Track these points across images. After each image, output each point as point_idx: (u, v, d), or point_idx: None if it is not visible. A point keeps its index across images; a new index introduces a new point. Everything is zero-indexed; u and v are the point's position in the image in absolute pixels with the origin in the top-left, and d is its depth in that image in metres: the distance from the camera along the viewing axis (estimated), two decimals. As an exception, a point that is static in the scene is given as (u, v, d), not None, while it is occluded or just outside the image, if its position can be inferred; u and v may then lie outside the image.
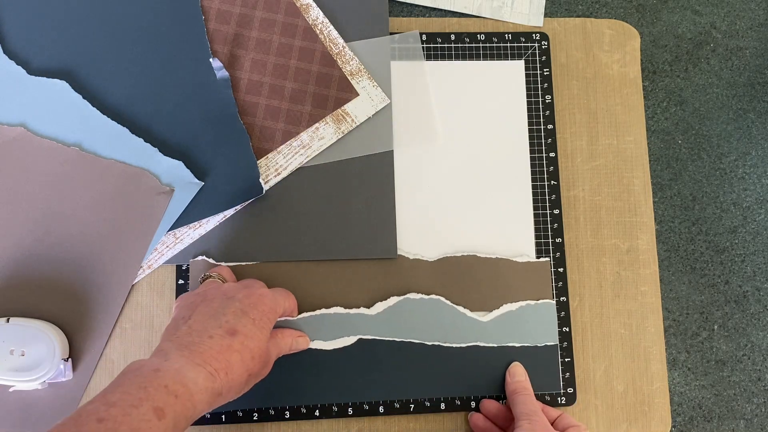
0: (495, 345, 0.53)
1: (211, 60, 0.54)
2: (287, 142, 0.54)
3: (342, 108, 0.55)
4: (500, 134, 0.57)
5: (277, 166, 0.54)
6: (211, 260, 0.52)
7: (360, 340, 0.52)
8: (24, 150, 0.52)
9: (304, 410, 0.52)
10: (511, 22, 0.59)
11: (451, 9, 0.59)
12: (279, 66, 0.55)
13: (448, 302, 0.53)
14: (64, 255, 0.51)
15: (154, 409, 0.35)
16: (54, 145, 0.52)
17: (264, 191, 0.53)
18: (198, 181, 0.52)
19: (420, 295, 0.53)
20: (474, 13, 0.59)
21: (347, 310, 0.53)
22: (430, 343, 0.53)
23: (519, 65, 0.58)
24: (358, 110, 0.55)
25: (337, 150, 0.55)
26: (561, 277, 0.55)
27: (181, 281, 0.52)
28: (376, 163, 0.55)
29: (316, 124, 0.55)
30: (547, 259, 0.55)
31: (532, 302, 0.54)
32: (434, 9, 0.59)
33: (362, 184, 0.54)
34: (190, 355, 0.39)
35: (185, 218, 0.52)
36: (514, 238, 0.55)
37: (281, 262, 0.53)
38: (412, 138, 0.56)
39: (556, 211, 0.56)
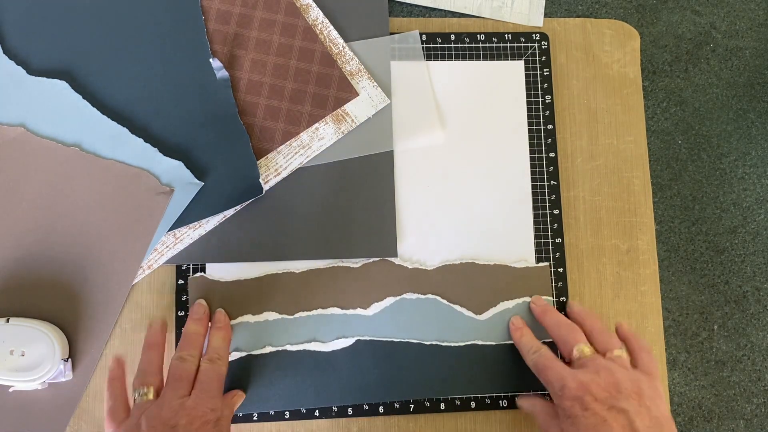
0: (493, 343, 0.53)
1: (211, 60, 0.54)
2: (287, 142, 0.54)
3: (342, 108, 0.55)
4: (500, 135, 0.56)
5: (277, 166, 0.54)
6: (209, 276, 0.52)
7: (358, 341, 0.52)
8: (24, 150, 0.52)
9: (303, 410, 0.52)
10: (511, 22, 0.59)
11: (451, 9, 0.59)
12: (279, 66, 0.55)
13: (444, 302, 0.53)
14: (64, 255, 0.51)
15: None
16: (54, 145, 0.52)
17: (264, 191, 0.53)
18: (198, 181, 0.52)
19: (416, 295, 0.53)
20: (474, 13, 0.59)
21: (344, 311, 0.53)
22: (428, 343, 0.53)
23: (519, 65, 0.58)
24: (358, 110, 0.55)
25: (337, 150, 0.55)
26: (561, 278, 0.55)
27: (181, 281, 0.52)
28: (376, 163, 0.55)
29: (316, 124, 0.55)
30: (546, 264, 0.54)
31: (529, 299, 0.54)
32: (434, 9, 0.59)
33: (362, 184, 0.54)
34: None
35: (185, 218, 0.52)
36: (514, 241, 0.55)
37: (278, 263, 0.53)
38: (412, 138, 0.56)
39: (556, 212, 0.56)
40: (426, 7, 0.59)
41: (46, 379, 0.48)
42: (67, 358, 0.49)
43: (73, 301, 0.51)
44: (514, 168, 0.56)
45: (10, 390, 0.49)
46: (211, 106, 0.54)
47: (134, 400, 0.44)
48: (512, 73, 0.57)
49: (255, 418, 0.51)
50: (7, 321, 0.48)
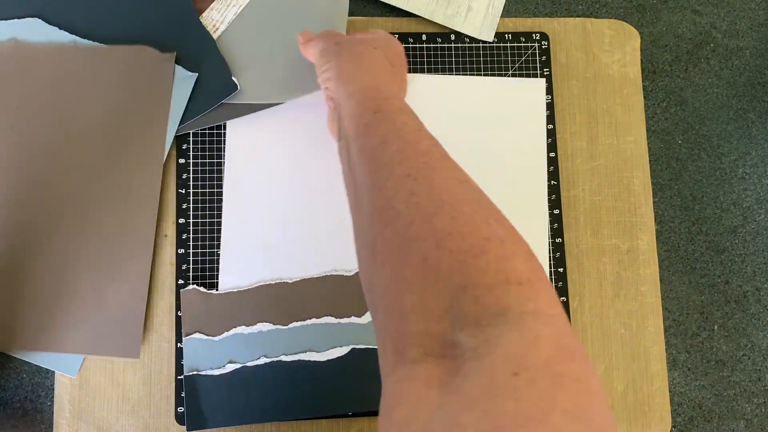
0: None
1: None
2: None
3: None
4: (516, 148, 0.56)
5: (214, 22, 0.55)
6: (201, 289, 0.52)
7: (353, 349, 0.52)
8: (24, 57, 0.52)
9: (304, 410, 0.51)
10: (461, 31, 0.58)
11: (405, 8, 0.57)
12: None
13: None
14: (87, 150, 0.52)
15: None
16: (51, 47, 0.53)
17: (238, 87, 0.53)
18: (191, 73, 0.53)
19: None
20: (426, 17, 0.57)
21: (338, 320, 0.52)
22: None
23: (540, 83, 0.57)
24: None
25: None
26: (561, 278, 0.55)
27: (180, 281, 0.52)
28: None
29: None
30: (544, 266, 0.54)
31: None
32: (397, 8, 0.57)
33: None
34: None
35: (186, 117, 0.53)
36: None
37: (271, 273, 0.53)
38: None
39: (556, 211, 0.56)
40: (386, 6, 0.58)
41: None
42: None
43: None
44: (530, 188, 0.56)
45: None
46: (172, 15, 0.55)
47: None
48: (533, 91, 0.57)
49: (255, 418, 0.51)
50: None
